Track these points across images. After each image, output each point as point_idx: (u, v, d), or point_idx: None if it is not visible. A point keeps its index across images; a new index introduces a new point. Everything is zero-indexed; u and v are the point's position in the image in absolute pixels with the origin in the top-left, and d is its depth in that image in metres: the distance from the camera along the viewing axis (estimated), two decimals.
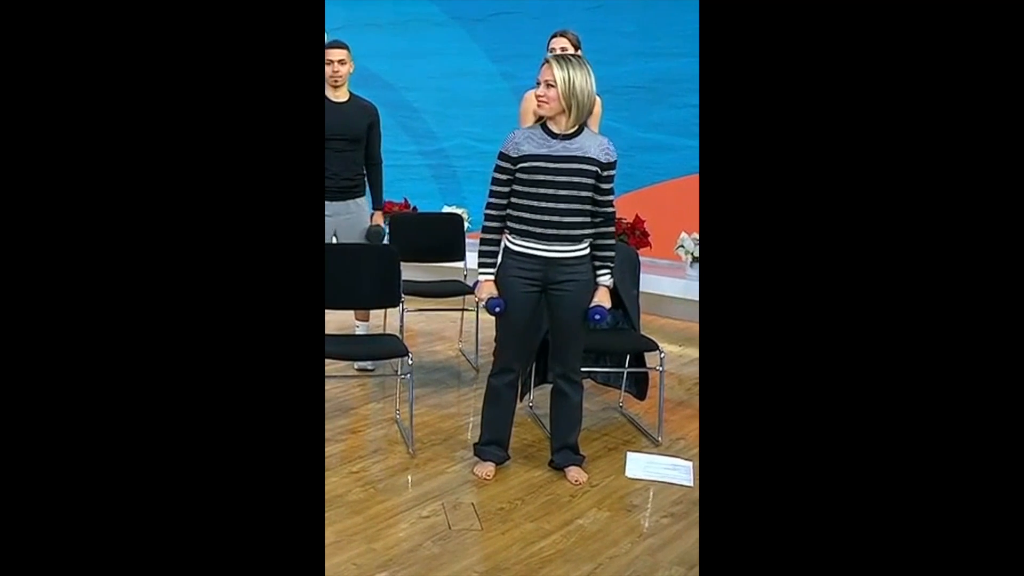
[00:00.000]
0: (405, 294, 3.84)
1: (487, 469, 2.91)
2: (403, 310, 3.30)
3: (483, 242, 2.81)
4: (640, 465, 3.02)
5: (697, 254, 5.01)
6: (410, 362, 3.06)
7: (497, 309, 2.76)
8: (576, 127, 2.70)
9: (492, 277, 2.79)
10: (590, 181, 2.70)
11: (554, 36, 3.75)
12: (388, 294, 3.26)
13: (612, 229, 2.81)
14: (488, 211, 2.79)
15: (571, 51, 3.66)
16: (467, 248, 4.26)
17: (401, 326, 3.34)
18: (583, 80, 2.66)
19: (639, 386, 3.52)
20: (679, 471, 2.98)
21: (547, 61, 2.71)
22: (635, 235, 5.19)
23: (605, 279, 2.82)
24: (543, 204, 2.68)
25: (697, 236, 5.03)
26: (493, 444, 2.94)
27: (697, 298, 4.98)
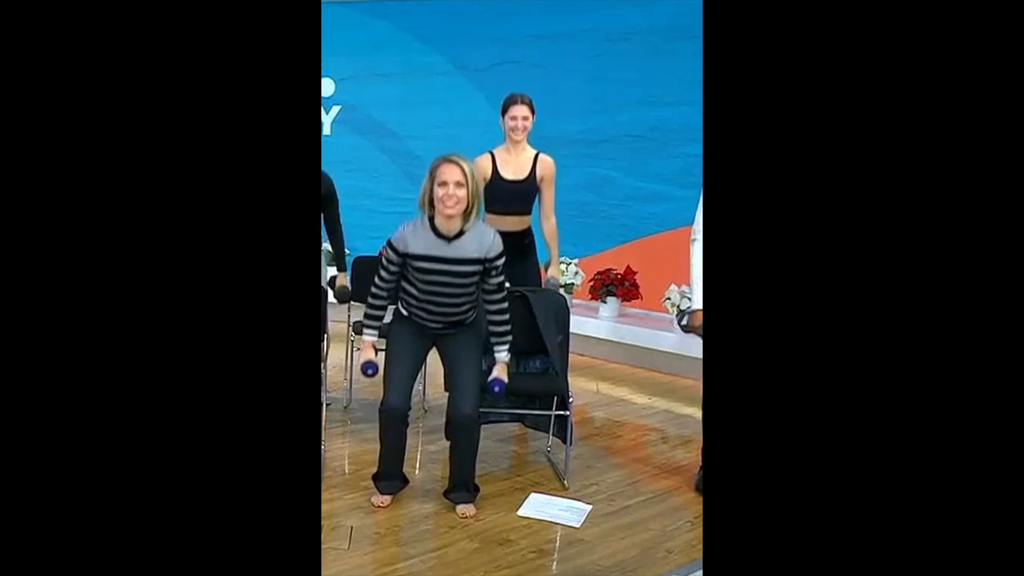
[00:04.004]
0: (357, 334, 4.16)
1: (383, 498, 3.15)
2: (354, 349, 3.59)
3: (369, 306, 3.13)
4: (535, 505, 3.20)
5: (683, 307, 5.14)
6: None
7: (369, 372, 3.11)
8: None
9: (374, 339, 3.12)
10: (476, 276, 2.97)
11: (514, 104, 3.78)
12: None
13: (504, 306, 3.07)
14: (375, 290, 3.10)
15: (531, 118, 3.83)
16: None
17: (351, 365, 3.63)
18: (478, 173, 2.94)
19: (565, 431, 3.68)
20: (571, 512, 3.14)
21: (448, 161, 2.87)
22: (623, 287, 5.38)
23: (502, 355, 3.11)
24: (431, 297, 2.99)
25: (685, 288, 5.17)
26: (385, 477, 3.17)
27: (679, 352, 5.12)
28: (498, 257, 2.97)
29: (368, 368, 3.09)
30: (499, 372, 3.10)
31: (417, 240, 2.94)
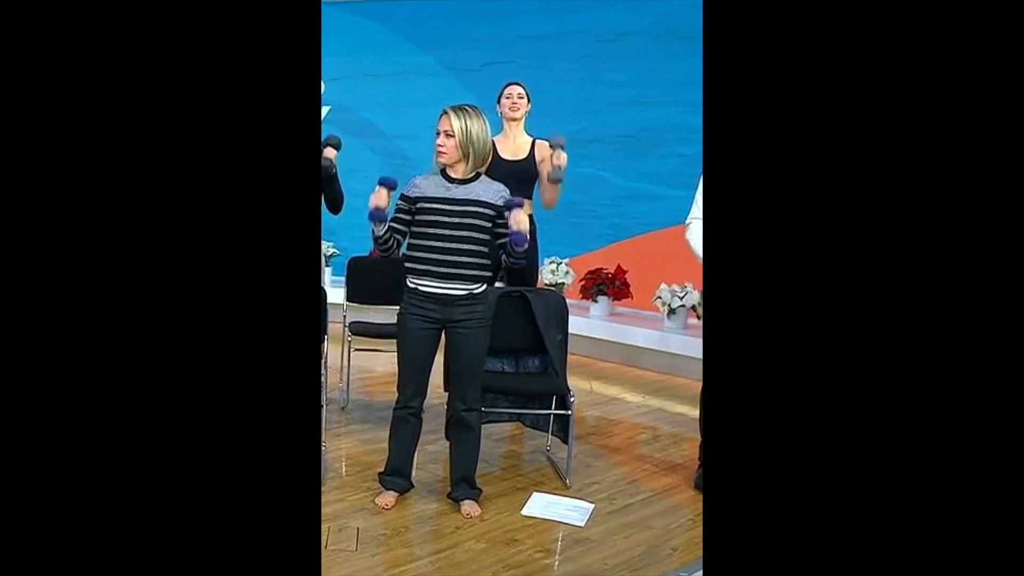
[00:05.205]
0: (353, 334, 4.20)
1: (387, 499, 3.19)
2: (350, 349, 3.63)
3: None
4: (539, 504, 3.25)
5: (674, 306, 5.22)
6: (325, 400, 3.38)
7: (377, 214, 2.98)
8: (473, 174, 3.03)
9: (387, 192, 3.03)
10: (486, 224, 3.01)
11: (508, 86, 4.08)
12: None
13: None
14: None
15: (526, 98, 4.01)
16: None
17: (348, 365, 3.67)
18: (479, 129, 3.01)
19: (565, 431, 3.74)
20: (576, 512, 3.19)
21: (445, 112, 3.06)
22: (614, 286, 5.44)
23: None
24: (439, 244, 3.00)
25: (676, 287, 5.24)
26: (395, 474, 3.22)
27: (671, 350, 5.19)
28: (507, 208, 3.02)
29: (376, 213, 2.98)
30: (517, 220, 2.95)
31: (427, 184, 3.06)
